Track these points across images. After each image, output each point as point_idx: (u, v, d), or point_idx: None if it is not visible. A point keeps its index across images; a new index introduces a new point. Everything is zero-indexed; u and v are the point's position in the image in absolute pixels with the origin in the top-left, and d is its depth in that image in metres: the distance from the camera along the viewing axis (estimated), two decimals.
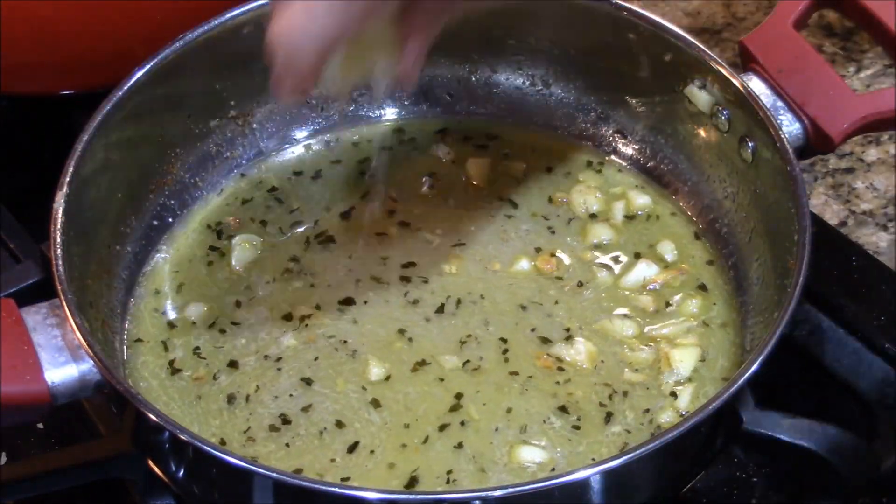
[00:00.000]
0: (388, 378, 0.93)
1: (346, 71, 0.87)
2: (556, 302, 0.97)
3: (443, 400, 0.92)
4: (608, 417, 0.90)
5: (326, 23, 0.78)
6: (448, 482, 0.87)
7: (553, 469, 0.88)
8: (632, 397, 0.92)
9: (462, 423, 0.90)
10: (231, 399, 0.92)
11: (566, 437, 0.90)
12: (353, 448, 0.89)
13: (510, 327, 0.96)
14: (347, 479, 0.87)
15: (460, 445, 0.89)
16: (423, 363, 0.94)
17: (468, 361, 0.94)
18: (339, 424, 0.90)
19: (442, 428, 0.90)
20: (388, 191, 1.05)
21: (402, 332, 0.95)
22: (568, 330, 0.95)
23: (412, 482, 0.87)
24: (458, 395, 0.92)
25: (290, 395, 0.92)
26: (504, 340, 0.95)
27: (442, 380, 0.93)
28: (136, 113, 0.98)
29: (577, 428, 0.90)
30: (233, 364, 0.94)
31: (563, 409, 0.91)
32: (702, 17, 1.28)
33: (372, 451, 0.89)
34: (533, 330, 0.95)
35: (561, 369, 0.93)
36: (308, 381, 0.93)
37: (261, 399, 0.92)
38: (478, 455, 0.89)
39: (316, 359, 0.94)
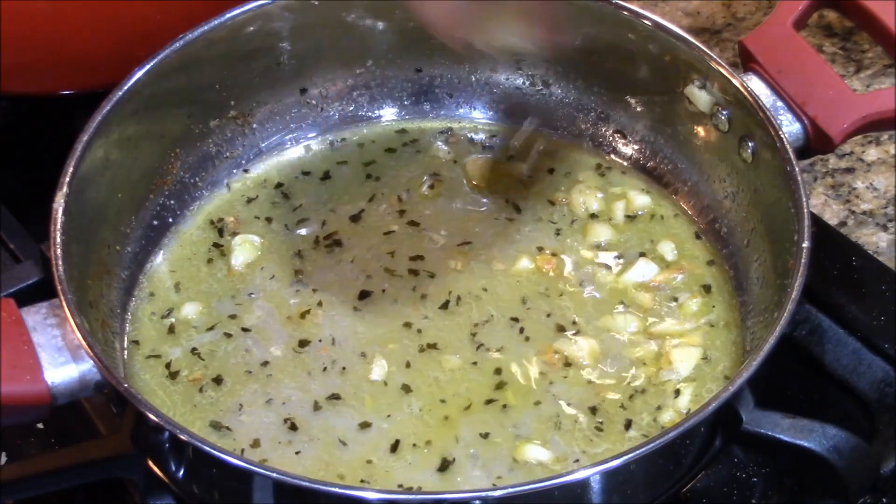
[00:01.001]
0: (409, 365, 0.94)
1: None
2: (557, 301, 0.97)
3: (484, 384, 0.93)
4: (628, 424, 0.90)
5: None
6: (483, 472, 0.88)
7: (577, 461, 0.88)
8: (636, 399, 0.92)
9: (504, 406, 0.91)
10: (239, 406, 0.92)
11: (588, 437, 0.90)
12: (395, 447, 0.89)
13: (521, 322, 0.96)
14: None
15: (487, 435, 0.90)
16: (431, 346, 0.94)
17: (481, 345, 0.95)
18: (365, 425, 0.91)
19: (488, 402, 0.91)
20: (392, 192, 1.05)
21: (407, 325, 0.96)
22: (571, 328, 0.96)
23: (445, 465, 0.88)
24: (500, 385, 0.93)
25: (302, 397, 0.92)
26: (522, 330, 0.96)
27: (475, 363, 0.93)
28: (136, 113, 0.98)
29: (600, 430, 0.90)
30: (233, 368, 0.94)
31: (592, 410, 0.91)
32: (702, 17, 1.28)
33: (414, 445, 0.89)
34: (548, 316, 0.96)
35: (568, 365, 0.93)
36: (327, 381, 0.93)
37: (267, 406, 0.92)
38: (503, 446, 0.89)
39: (323, 362, 0.94)
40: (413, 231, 1.02)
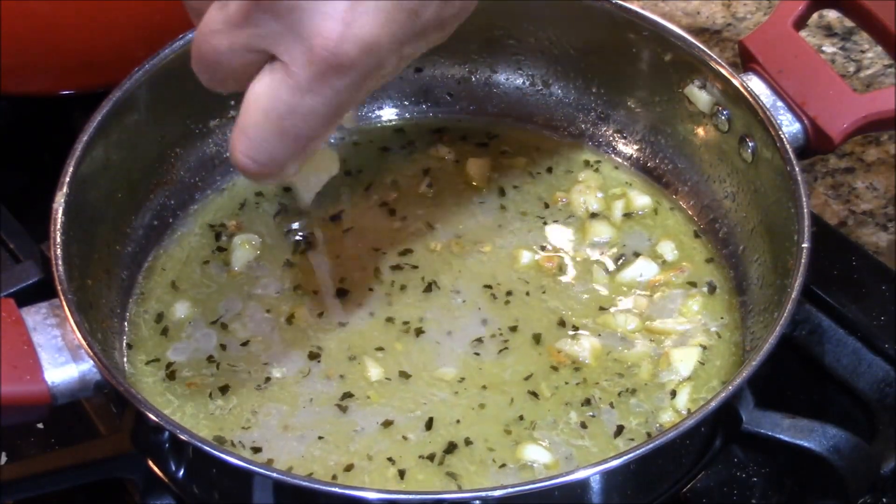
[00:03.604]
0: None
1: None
2: (556, 300, 0.97)
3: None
4: (619, 430, 0.90)
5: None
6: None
7: (576, 461, 0.89)
8: (635, 398, 0.92)
9: (502, 406, 0.91)
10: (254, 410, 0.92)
11: (587, 436, 0.90)
12: (430, 424, 0.90)
13: (521, 321, 0.96)
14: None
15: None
16: (430, 344, 0.95)
17: (481, 343, 0.95)
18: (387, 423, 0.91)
19: (482, 404, 0.92)
20: (389, 191, 1.05)
21: (405, 322, 0.96)
22: (571, 327, 0.96)
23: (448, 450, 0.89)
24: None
25: (311, 400, 0.92)
26: (521, 329, 0.96)
27: (475, 362, 0.94)
28: (136, 113, 0.98)
29: (599, 429, 0.90)
30: (231, 371, 0.94)
31: (591, 409, 0.91)
32: (702, 17, 1.28)
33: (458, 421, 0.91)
34: (548, 314, 0.96)
35: (568, 364, 0.93)
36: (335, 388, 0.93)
37: (265, 411, 0.92)
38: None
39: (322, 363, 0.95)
40: (411, 230, 1.02)
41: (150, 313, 0.97)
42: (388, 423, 0.90)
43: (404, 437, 0.89)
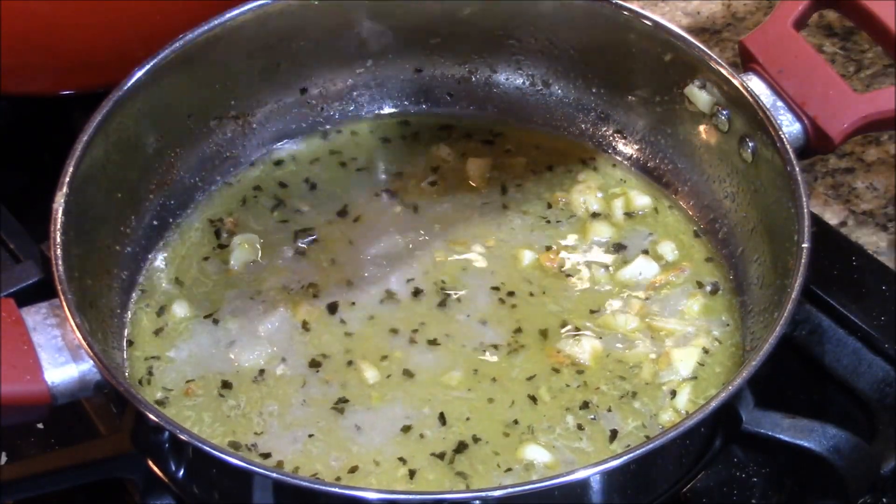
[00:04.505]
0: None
1: None
2: (556, 300, 0.97)
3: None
4: (613, 435, 0.90)
5: None
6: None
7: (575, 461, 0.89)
8: (635, 399, 0.92)
9: (502, 406, 0.91)
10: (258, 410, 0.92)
11: (587, 437, 0.90)
12: (443, 418, 0.90)
13: (521, 321, 0.96)
14: None
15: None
16: (431, 343, 0.94)
17: (481, 344, 0.95)
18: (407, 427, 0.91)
19: (490, 400, 0.92)
20: (389, 188, 1.05)
21: (408, 322, 0.96)
22: (571, 328, 0.96)
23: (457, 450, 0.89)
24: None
25: (304, 402, 0.92)
26: (521, 330, 0.96)
27: (477, 364, 0.94)
28: (135, 113, 0.98)
29: (599, 430, 0.90)
30: (236, 369, 0.94)
31: (591, 410, 0.91)
32: (702, 17, 1.28)
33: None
34: (548, 315, 0.96)
35: (569, 364, 0.93)
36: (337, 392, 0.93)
37: (267, 408, 0.92)
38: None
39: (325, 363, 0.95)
40: (412, 229, 1.02)
41: (149, 313, 0.97)
42: (406, 428, 0.90)
43: (421, 436, 0.90)
